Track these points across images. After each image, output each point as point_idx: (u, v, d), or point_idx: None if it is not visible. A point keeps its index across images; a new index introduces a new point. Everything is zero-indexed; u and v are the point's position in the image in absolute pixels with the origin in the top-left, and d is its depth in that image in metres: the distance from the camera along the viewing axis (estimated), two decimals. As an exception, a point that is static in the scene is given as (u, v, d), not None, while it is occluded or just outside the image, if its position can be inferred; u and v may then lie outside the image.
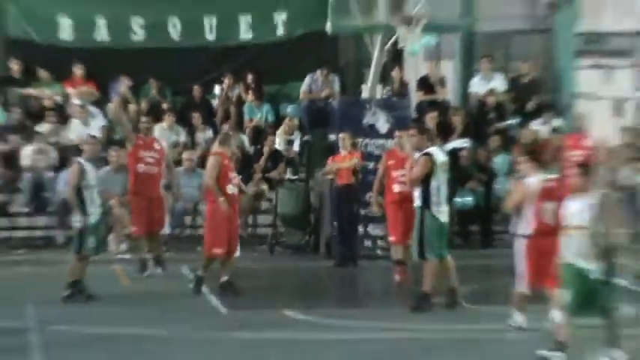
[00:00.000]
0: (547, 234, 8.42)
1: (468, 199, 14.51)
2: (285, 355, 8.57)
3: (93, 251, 10.46)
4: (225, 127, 15.42)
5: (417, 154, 10.16)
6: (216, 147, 11.38)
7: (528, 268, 8.69)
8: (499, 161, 15.12)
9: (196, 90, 16.59)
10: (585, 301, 7.93)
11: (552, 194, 8.53)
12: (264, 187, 15.38)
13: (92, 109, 15.70)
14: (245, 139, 15.85)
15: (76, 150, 12.70)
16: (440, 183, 9.83)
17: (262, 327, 9.31)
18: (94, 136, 12.40)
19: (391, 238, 11.62)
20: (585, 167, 8.08)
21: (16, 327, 9.48)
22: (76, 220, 10.22)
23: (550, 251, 8.17)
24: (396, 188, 11.39)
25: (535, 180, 8.56)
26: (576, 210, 7.85)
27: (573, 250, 7.80)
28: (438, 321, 9.22)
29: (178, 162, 14.49)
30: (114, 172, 13.47)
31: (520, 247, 8.65)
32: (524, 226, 8.55)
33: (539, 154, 9.16)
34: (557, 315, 7.78)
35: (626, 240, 8.62)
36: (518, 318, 8.64)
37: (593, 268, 7.68)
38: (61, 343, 9.07)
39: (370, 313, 10.17)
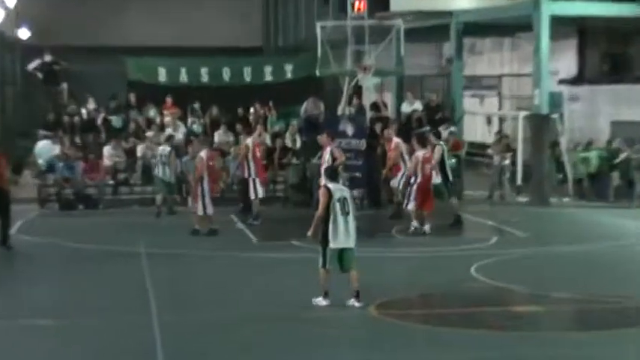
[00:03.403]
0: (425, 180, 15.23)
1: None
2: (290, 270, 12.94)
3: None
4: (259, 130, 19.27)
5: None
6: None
7: (416, 198, 15.19)
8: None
9: (239, 111, 22.52)
10: None
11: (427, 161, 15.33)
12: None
13: (178, 122, 21.52)
14: (268, 138, 20.77)
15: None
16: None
17: (275, 249, 14.76)
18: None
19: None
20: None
21: (132, 251, 14.54)
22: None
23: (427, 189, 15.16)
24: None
25: (420, 154, 15.47)
26: None
27: None
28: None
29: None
30: (191, 160, 18.05)
31: (413, 187, 15.30)
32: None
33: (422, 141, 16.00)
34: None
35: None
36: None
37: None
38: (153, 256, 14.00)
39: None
